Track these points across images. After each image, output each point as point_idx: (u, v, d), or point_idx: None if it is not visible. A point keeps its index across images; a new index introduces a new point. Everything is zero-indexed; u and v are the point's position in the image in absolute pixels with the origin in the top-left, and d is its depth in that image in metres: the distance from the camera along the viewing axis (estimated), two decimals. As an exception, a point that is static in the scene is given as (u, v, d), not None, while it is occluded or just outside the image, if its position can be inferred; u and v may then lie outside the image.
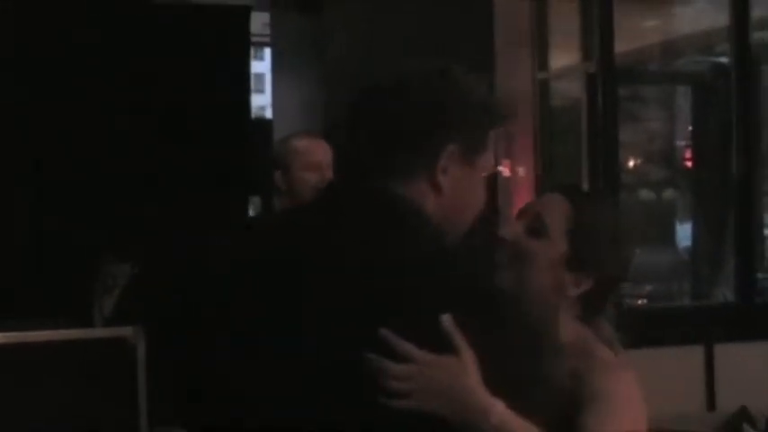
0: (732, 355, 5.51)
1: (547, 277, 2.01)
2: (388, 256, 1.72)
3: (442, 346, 1.67)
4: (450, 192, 1.78)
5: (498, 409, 1.70)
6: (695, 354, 5.50)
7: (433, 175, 1.77)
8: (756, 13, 5.93)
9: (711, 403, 5.47)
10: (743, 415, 5.21)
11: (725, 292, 6.26)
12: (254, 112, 7.57)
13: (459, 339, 1.67)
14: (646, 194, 7.51)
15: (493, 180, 5.37)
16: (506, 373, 1.72)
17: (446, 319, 1.66)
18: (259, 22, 5.79)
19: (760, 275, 6.13)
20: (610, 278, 2.07)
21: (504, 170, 6.28)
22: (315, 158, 3.39)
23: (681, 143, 7.34)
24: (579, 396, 1.94)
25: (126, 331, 3.88)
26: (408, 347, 1.66)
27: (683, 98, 7.27)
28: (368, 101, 1.83)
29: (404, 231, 1.75)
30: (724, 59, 6.19)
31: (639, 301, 6.83)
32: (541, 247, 2.01)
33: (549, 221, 2.02)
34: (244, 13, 5.05)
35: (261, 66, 6.46)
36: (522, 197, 6.54)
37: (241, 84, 5.02)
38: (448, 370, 1.68)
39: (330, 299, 1.71)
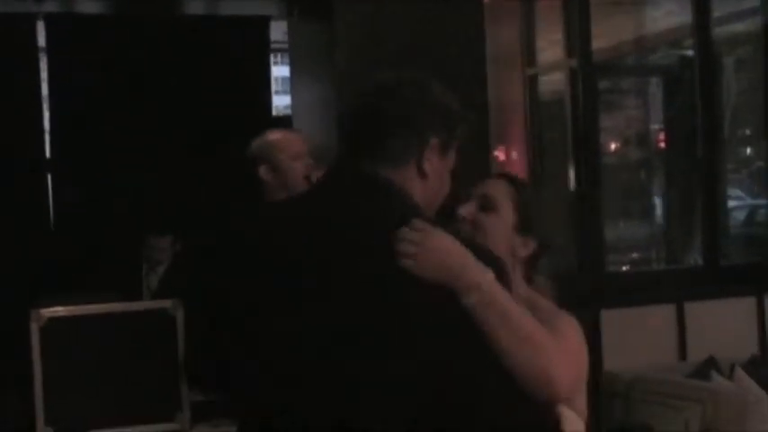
0: (700, 312, 5.52)
1: (501, 243, 2.13)
2: (383, 228, 1.79)
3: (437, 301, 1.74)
4: (432, 178, 1.89)
5: (490, 276, 1.78)
6: (668, 311, 5.51)
7: (421, 163, 1.86)
8: (717, 11, 5.92)
9: (683, 354, 5.48)
10: (710, 363, 5.21)
11: (695, 257, 6.26)
12: (281, 111, 7.57)
13: (433, 227, 1.78)
14: (625, 174, 7.50)
15: (487, 163, 5.38)
16: None
17: (418, 224, 1.76)
18: (281, 30, 5.79)
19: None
20: (548, 240, 2.23)
21: (500, 155, 6.29)
22: (298, 149, 3.34)
23: (654, 127, 7.32)
24: None
25: (166, 304, 3.91)
26: (417, 222, 1.77)
27: (656, 88, 7.25)
28: (370, 100, 1.91)
29: (393, 208, 1.83)
30: (690, 53, 6.18)
31: (624, 268, 6.84)
32: (493, 219, 2.16)
33: (497, 198, 2.18)
34: (264, 23, 5.07)
35: (286, 70, 6.43)
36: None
37: (262, 85, 5.05)
38: (449, 239, 1.78)
39: (337, 272, 1.77)
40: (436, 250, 1.75)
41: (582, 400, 2.09)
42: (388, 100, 1.88)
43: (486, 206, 2.17)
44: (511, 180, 2.24)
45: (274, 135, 3.42)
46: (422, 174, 1.87)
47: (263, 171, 3.33)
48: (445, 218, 2.07)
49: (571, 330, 2.04)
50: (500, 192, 2.19)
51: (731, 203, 6.90)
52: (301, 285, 1.79)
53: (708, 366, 5.18)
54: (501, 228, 2.15)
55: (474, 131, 1.99)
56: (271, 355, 1.83)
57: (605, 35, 6.18)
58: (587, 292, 5.21)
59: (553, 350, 1.82)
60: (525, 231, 2.18)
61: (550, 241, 2.24)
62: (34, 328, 3.66)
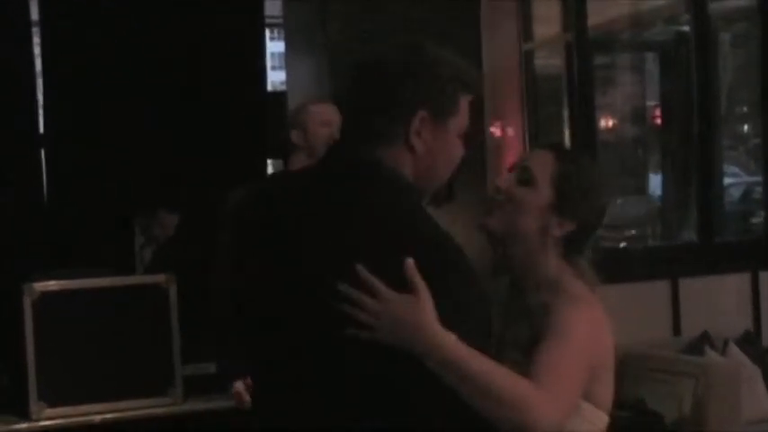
0: (695, 288, 5.52)
1: (534, 220, 2.04)
2: (362, 211, 1.77)
3: (404, 288, 1.71)
4: (424, 152, 1.80)
5: (449, 341, 1.70)
6: (663, 287, 5.51)
7: (408, 139, 1.79)
8: (714, -13, 5.91)
9: (677, 329, 5.49)
10: (704, 339, 5.23)
11: (691, 234, 6.26)
12: (276, 87, 7.55)
13: (419, 281, 1.69)
14: (622, 150, 7.48)
15: (482, 142, 5.38)
16: (459, 313, 1.74)
17: (409, 264, 1.68)
18: (276, 5, 5.76)
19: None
20: (588, 222, 2.10)
21: (496, 131, 6.27)
22: (326, 117, 3.49)
23: (650, 104, 7.30)
24: (544, 328, 1.97)
25: (159, 278, 3.92)
26: (376, 283, 1.69)
27: (652, 64, 7.23)
28: (349, 77, 1.87)
29: (378, 190, 1.78)
30: (686, 29, 6.15)
31: (621, 244, 6.85)
32: (530, 193, 2.05)
33: (536, 172, 2.07)
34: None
35: (282, 45, 6.42)
36: (512, 154, 6.53)
37: (257, 60, 5.02)
38: (408, 307, 1.69)
39: (315, 249, 1.76)
40: (390, 320, 1.68)
41: (602, 390, 2.03)
42: (368, 76, 1.83)
43: (524, 179, 2.07)
44: (559, 153, 2.12)
45: (312, 104, 3.64)
46: (411, 149, 1.79)
47: (294, 135, 3.52)
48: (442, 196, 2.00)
49: (581, 324, 1.97)
50: (541, 165, 2.08)
51: (727, 180, 6.90)
52: (282, 274, 1.80)
53: (701, 342, 5.20)
54: (535, 204, 2.05)
55: (477, 92, 1.89)
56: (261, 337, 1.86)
57: (602, 10, 6.15)
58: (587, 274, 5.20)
59: (532, 398, 1.78)
60: (562, 212, 2.06)
61: (595, 223, 2.12)
62: (27, 302, 3.67)
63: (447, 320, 1.71)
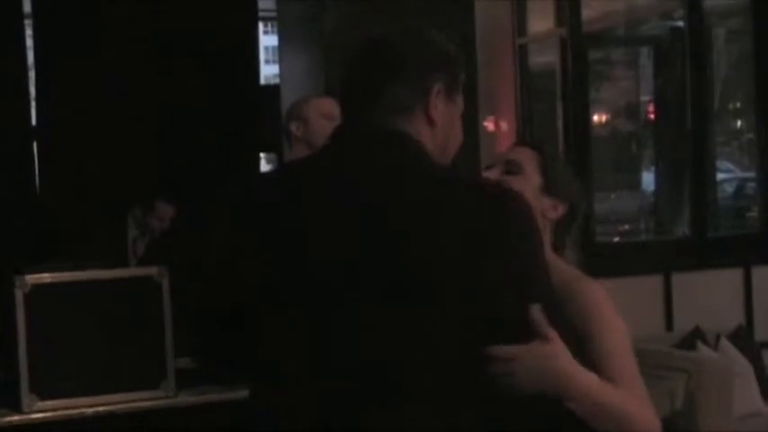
0: (687, 283, 5.53)
1: None
2: (409, 188, 1.73)
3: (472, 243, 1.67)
4: (440, 125, 1.82)
5: (595, 380, 1.76)
6: (656, 281, 5.52)
7: (428, 111, 1.81)
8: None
9: (669, 324, 5.50)
10: (696, 334, 5.23)
11: (684, 229, 6.28)
12: (269, 80, 7.53)
13: (547, 327, 1.67)
14: (615, 145, 7.50)
15: (476, 134, 5.38)
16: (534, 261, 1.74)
17: (535, 311, 1.66)
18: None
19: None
20: (577, 204, 2.19)
21: (489, 125, 6.27)
22: (329, 110, 3.47)
23: (644, 99, 7.31)
24: (563, 306, 1.95)
25: (152, 270, 3.90)
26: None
27: (646, 59, 7.24)
28: (358, 52, 1.87)
29: (410, 157, 1.77)
30: (680, 24, 6.16)
31: (614, 239, 6.86)
32: (519, 181, 2.11)
33: (521, 161, 2.15)
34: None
35: (275, 39, 6.41)
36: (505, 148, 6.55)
37: (250, 54, 5.02)
38: (544, 355, 1.68)
39: (357, 235, 1.69)
40: (533, 368, 1.67)
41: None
42: (385, 48, 1.83)
43: (511, 170, 2.15)
44: (534, 146, 2.21)
45: (315, 97, 3.67)
46: (430, 121, 1.81)
47: (294, 126, 3.51)
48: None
49: (604, 299, 2.04)
50: (524, 156, 2.17)
51: (721, 176, 6.92)
52: (324, 261, 1.71)
53: (694, 337, 5.20)
54: (527, 189, 2.08)
55: (467, 79, 1.92)
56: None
57: (596, 5, 6.15)
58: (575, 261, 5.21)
59: (646, 406, 1.89)
60: (553, 193, 2.15)
61: (580, 207, 2.21)
62: (19, 294, 3.65)
63: (524, 269, 1.70)
